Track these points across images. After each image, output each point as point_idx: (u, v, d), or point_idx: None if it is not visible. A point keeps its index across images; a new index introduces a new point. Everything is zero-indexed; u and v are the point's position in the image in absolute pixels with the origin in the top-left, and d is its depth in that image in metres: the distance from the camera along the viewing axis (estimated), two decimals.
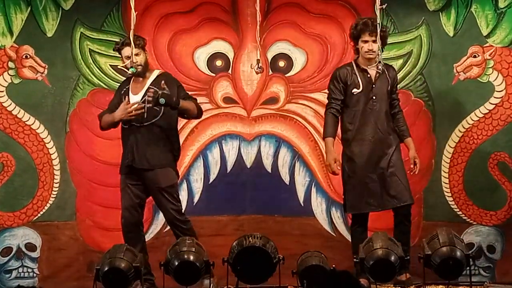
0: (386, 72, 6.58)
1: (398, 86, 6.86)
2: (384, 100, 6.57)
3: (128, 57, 6.40)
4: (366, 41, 6.49)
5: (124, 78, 6.84)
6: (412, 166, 6.61)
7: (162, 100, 6.32)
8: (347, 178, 6.59)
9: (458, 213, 7.30)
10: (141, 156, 6.44)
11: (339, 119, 6.60)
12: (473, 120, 7.33)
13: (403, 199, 6.50)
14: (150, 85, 6.51)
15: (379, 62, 6.22)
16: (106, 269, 5.79)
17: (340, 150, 6.64)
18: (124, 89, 6.58)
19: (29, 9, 7.27)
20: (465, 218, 7.30)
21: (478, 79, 7.33)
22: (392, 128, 6.61)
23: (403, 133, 6.66)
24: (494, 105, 7.31)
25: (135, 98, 6.50)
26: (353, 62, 6.65)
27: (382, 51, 6.46)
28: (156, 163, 6.45)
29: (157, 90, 6.36)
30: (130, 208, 6.51)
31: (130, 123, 6.46)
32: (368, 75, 6.58)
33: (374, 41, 6.39)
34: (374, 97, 6.56)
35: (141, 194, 6.54)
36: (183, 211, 6.60)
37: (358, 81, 6.55)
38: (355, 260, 6.00)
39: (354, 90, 6.55)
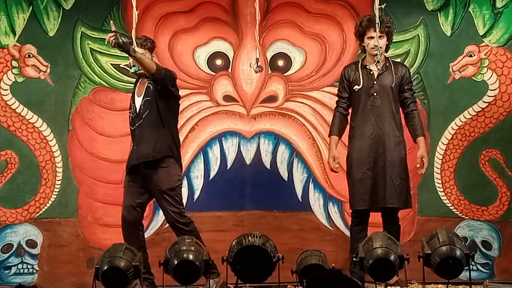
0: (393, 70, 6.11)
1: None
2: (387, 97, 6.07)
3: None
4: (371, 37, 6.03)
5: (126, 77, 6.67)
6: (418, 165, 6.09)
7: (121, 41, 5.51)
8: (347, 174, 6.16)
9: (450, 208, 6.92)
10: (141, 150, 5.92)
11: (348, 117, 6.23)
12: (466, 118, 6.95)
13: (390, 201, 6.00)
14: (148, 82, 5.97)
15: (378, 62, 5.90)
16: (105, 268, 5.35)
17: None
18: (132, 91, 6.15)
19: (30, 8, 6.92)
20: (457, 213, 6.92)
21: (473, 78, 6.97)
22: (399, 127, 6.09)
23: (415, 132, 6.13)
24: (487, 104, 6.94)
25: (138, 99, 6.02)
26: (360, 60, 6.22)
27: (389, 47, 6.17)
28: (158, 152, 5.90)
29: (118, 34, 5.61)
30: (130, 207, 6.02)
31: (133, 124, 6.00)
32: (371, 72, 6.11)
33: (380, 37, 5.97)
34: (375, 94, 6.07)
35: (143, 195, 6.05)
36: (185, 212, 6.09)
37: (359, 78, 6.08)
38: (354, 259, 5.55)
39: (356, 87, 6.08)
